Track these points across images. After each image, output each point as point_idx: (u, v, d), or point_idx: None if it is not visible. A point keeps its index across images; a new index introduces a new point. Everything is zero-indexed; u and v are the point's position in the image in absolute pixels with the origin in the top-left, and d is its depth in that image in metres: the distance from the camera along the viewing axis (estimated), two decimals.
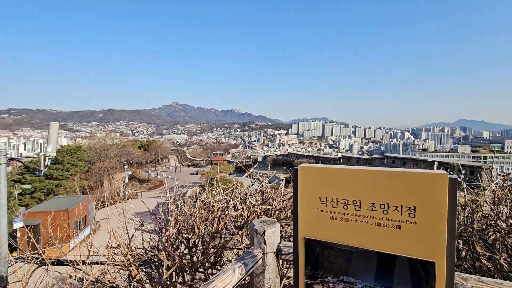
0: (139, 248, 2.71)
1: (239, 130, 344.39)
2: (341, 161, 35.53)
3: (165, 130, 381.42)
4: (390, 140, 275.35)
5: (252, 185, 3.57)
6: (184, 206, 2.56)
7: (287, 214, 3.14)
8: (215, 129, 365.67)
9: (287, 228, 2.80)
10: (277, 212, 2.80)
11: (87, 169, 45.17)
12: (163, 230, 2.52)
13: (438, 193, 1.10)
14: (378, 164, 30.45)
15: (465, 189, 3.49)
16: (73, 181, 39.92)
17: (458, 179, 3.71)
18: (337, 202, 1.30)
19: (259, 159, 57.44)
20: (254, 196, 2.95)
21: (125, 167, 43.93)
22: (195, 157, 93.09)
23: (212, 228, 2.37)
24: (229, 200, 2.66)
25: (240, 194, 2.97)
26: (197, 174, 55.19)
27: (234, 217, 2.59)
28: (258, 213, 2.68)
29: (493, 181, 3.74)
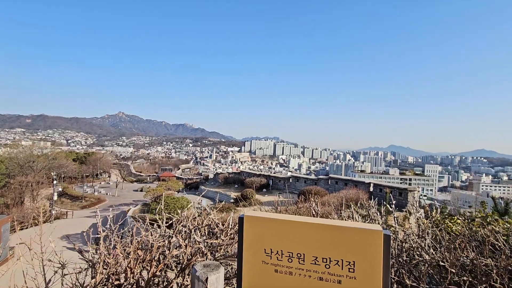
0: None
1: (191, 145, 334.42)
2: (291, 180, 36.88)
3: (107, 142, 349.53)
4: (334, 161, 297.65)
5: (199, 215, 3.38)
6: (118, 245, 2.27)
7: (235, 247, 3.03)
8: (165, 143, 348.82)
9: (234, 264, 2.69)
10: (223, 247, 2.67)
11: (3, 183, 38.25)
12: (90, 277, 2.18)
13: (374, 249, 1.15)
14: (323, 184, 32.35)
15: (395, 218, 3.88)
16: None
17: (390, 209, 4.05)
18: (282, 255, 1.28)
19: (211, 176, 56.15)
20: (200, 231, 2.79)
21: (55, 181, 38.52)
22: (140, 172, 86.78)
23: (149, 271, 2.14)
24: (171, 237, 2.45)
25: (184, 227, 2.77)
26: (141, 190, 51.32)
27: (176, 256, 2.38)
28: (203, 250, 2.52)
29: (417, 210, 4.23)
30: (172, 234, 2.46)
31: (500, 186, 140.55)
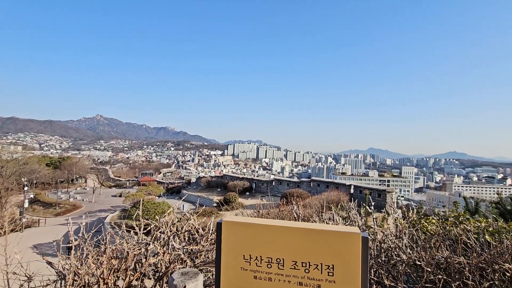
0: None
1: (172, 149, 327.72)
2: (274, 183, 37.02)
3: (84, 146, 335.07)
4: (316, 163, 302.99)
5: (179, 221, 3.29)
6: (91, 254, 2.14)
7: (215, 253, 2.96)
8: (145, 146, 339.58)
9: (214, 270, 2.62)
10: (204, 253, 2.60)
11: None
12: None
13: (353, 252, 1.15)
14: (305, 187, 32.74)
15: (374, 219, 3.97)
16: None
17: (369, 210, 4.14)
18: (261, 261, 1.25)
19: (193, 180, 55.32)
20: (179, 237, 2.70)
21: (26, 188, 36.29)
22: (119, 177, 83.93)
23: (124, 280, 2.03)
24: (149, 244, 2.35)
25: (163, 234, 2.67)
26: (120, 196, 49.51)
27: (154, 264, 2.29)
28: (182, 257, 2.43)
29: (395, 211, 4.36)
30: (150, 241, 2.37)
31: (470, 186, 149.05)
